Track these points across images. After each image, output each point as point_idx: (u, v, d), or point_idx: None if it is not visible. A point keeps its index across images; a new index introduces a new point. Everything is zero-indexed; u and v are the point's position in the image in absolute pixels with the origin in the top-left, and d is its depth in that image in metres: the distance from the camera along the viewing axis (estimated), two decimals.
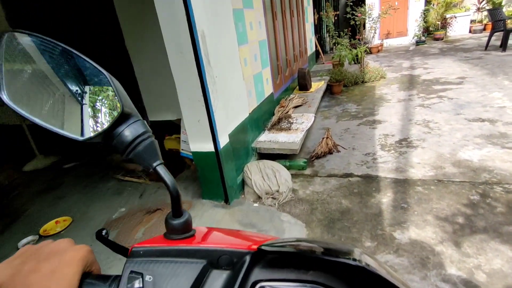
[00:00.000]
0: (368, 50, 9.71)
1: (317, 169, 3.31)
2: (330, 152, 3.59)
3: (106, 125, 0.40)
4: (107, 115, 0.41)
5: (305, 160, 3.35)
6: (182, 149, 3.28)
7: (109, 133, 0.41)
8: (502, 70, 5.75)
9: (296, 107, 4.60)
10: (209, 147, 2.57)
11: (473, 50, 8.04)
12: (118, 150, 0.41)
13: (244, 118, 3.23)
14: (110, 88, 0.41)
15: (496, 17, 7.46)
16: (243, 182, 3.01)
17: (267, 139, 3.55)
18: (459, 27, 10.68)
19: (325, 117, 4.90)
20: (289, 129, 3.73)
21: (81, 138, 0.40)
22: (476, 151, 3.13)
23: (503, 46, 7.23)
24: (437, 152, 3.22)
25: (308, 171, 3.30)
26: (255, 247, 0.41)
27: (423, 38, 10.41)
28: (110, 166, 4.01)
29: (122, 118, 0.40)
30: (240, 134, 3.08)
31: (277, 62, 4.62)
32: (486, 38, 7.85)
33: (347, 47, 6.47)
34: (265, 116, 4.00)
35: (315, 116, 4.29)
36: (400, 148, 3.45)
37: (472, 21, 10.73)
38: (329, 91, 6.16)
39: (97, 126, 0.41)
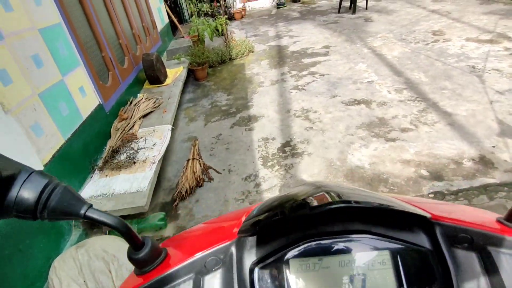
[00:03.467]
0: (230, 16, 8.77)
1: (183, 223, 2.24)
2: (199, 184, 2.55)
3: None
4: None
5: (163, 215, 2.21)
6: None
7: (2, 208, 0.32)
8: (358, 36, 5.78)
9: (145, 115, 3.27)
10: None
11: (328, 13, 8.12)
12: (26, 218, 0.34)
13: None
14: None
15: None
16: None
17: (96, 191, 2.21)
18: None
19: (190, 119, 3.77)
20: (133, 163, 2.46)
21: None
22: (364, 150, 2.68)
23: (353, 8, 7.46)
24: (326, 159, 2.63)
25: (170, 230, 2.20)
26: (234, 235, 0.40)
27: (283, 0, 10.12)
28: None
29: (5, 183, 0.32)
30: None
31: (101, 54, 3.07)
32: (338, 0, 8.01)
33: (204, 17, 5.28)
34: (92, 147, 2.57)
35: (172, 128, 3.11)
36: (285, 160, 2.72)
37: None
38: (192, 76, 4.97)
39: None
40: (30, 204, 0.33)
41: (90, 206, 0.37)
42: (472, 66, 3.78)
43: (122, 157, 2.50)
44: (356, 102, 3.47)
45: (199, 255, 0.40)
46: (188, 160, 2.79)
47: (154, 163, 2.45)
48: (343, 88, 3.85)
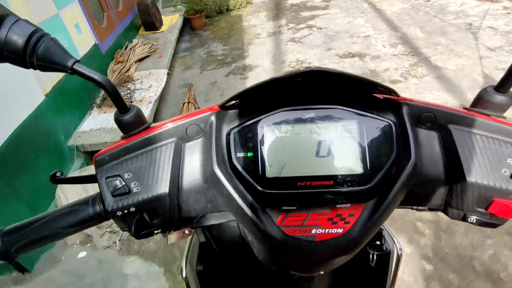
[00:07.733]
0: None
1: None
2: None
3: None
4: None
5: None
6: None
7: None
8: None
9: (141, 59, 3.30)
10: None
11: None
12: (17, 62, 0.35)
13: (33, 109, 1.87)
14: None
15: None
16: None
17: (95, 125, 2.33)
18: None
19: (186, 67, 3.80)
20: (130, 102, 2.55)
21: None
22: None
23: None
24: None
25: None
26: (216, 107, 0.42)
27: None
28: None
29: None
30: (24, 142, 1.79)
31: None
32: None
33: None
34: (90, 85, 2.63)
35: (168, 73, 3.16)
36: None
37: None
38: (188, 26, 4.87)
39: None
40: (19, 48, 0.33)
41: (77, 60, 0.37)
42: (469, 24, 3.78)
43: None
44: (351, 55, 3.51)
45: (180, 121, 0.41)
46: (183, 104, 2.89)
47: (150, 102, 2.55)
48: (339, 41, 3.85)
